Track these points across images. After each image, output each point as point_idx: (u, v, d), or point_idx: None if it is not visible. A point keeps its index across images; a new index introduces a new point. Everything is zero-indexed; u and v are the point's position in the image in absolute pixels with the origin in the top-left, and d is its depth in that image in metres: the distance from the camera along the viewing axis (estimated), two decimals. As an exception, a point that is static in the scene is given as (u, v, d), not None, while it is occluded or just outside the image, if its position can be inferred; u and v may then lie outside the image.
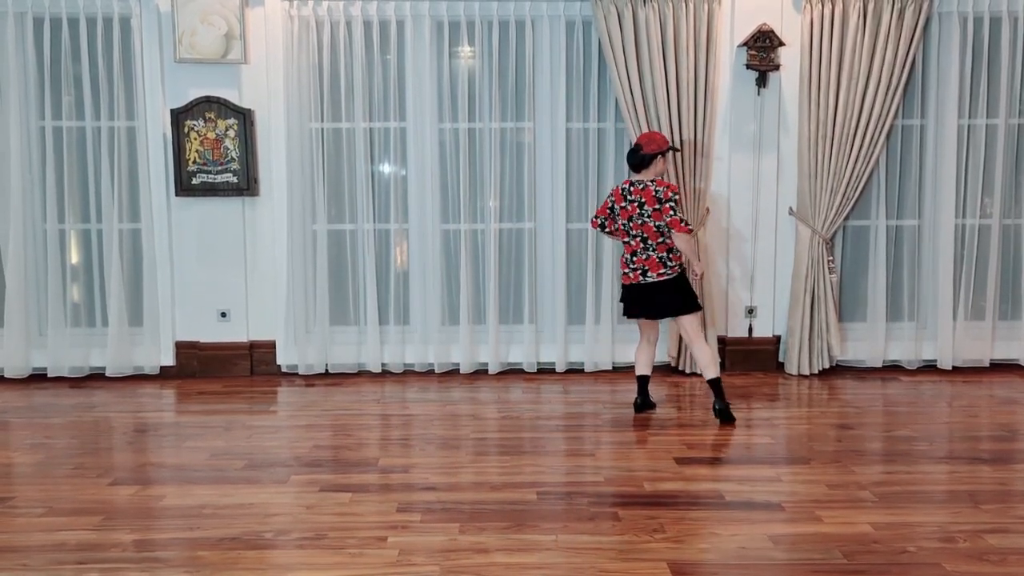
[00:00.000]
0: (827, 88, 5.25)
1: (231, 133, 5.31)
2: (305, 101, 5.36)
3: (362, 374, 5.58)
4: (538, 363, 5.60)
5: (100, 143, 5.37)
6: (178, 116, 5.28)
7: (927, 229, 5.58)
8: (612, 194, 4.47)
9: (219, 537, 2.93)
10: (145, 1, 5.26)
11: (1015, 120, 5.49)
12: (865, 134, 5.28)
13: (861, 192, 5.38)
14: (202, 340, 5.55)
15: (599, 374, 5.53)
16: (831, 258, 5.44)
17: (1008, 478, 3.52)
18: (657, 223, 4.28)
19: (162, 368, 5.54)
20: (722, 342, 5.57)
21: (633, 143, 4.66)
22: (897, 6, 5.19)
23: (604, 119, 5.48)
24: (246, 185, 5.35)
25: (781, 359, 5.60)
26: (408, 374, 5.57)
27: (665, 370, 5.51)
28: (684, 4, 5.19)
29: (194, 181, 5.33)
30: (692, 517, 3.08)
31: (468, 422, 4.46)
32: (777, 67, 5.32)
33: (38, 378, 5.47)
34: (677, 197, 4.29)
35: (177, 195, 5.37)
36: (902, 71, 5.25)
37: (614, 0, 5.16)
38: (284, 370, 5.58)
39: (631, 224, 4.35)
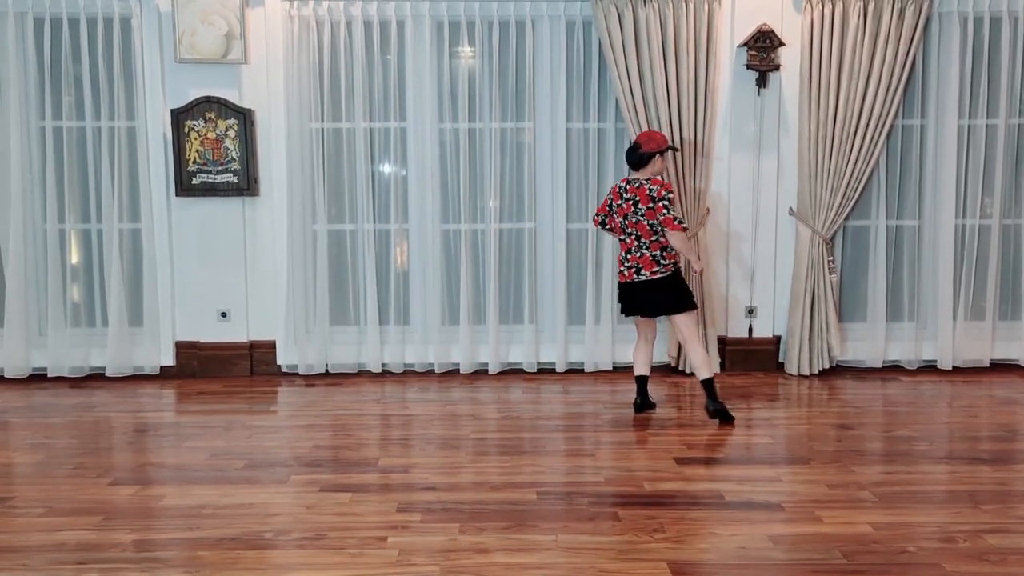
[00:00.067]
0: (827, 88, 5.25)
1: (231, 133, 5.31)
2: (305, 101, 5.37)
3: (362, 374, 5.58)
4: (538, 363, 5.60)
5: (100, 143, 5.37)
6: (178, 116, 5.28)
7: (927, 229, 5.58)
8: (611, 192, 4.49)
9: (219, 537, 2.93)
10: (145, 1, 5.27)
11: (1015, 120, 5.48)
12: (865, 134, 5.28)
13: (861, 192, 5.38)
14: (202, 340, 5.55)
15: (599, 374, 5.53)
16: (831, 258, 5.44)
17: (1008, 478, 3.52)
18: (650, 222, 4.29)
19: (162, 368, 5.54)
20: (722, 342, 5.57)
21: (633, 141, 4.66)
22: (897, 6, 5.19)
23: (604, 119, 5.48)
24: (246, 185, 5.35)
25: (781, 359, 5.60)
26: (408, 374, 5.58)
27: (665, 370, 5.51)
28: (684, 4, 5.19)
29: (194, 181, 5.33)
30: (692, 517, 3.08)
31: (468, 422, 4.46)
32: (777, 67, 5.32)
33: (38, 378, 5.47)
34: (671, 196, 4.29)
35: (177, 195, 5.37)
36: (902, 71, 5.25)
37: (614, 0, 5.16)
38: (284, 370, 5.58)
39: (626, 222, 4.36)
